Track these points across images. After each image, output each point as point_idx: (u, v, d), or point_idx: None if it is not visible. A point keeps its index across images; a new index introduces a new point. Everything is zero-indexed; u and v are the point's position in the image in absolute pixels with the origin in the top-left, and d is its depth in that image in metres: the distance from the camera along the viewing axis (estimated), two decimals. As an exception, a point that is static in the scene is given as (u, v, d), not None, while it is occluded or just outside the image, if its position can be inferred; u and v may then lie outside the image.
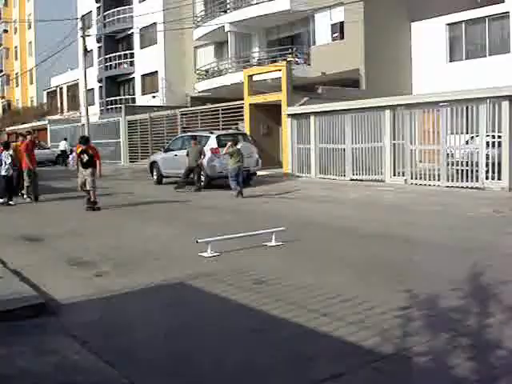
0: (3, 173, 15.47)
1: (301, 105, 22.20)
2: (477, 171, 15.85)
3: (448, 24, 25.68)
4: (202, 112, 28.05)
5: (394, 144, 18.08)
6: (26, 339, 5.04)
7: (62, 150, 37.67)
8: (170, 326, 5.44)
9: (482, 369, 4.28)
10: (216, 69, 34.13)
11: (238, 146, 16.99)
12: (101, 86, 46.41)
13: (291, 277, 6.96)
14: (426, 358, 4.46)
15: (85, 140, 14.33)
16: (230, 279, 6.89)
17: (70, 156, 35.71)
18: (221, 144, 18.22)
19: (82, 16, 39.53)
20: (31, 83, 65.05)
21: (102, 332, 5.33)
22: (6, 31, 69.24)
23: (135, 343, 4.99)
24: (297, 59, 28.27)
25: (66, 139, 38.24)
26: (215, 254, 8.26)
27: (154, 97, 39.94)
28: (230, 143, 16.77)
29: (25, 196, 16.59)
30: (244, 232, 9.28)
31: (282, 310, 5.64)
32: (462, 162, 16.36)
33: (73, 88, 53.76)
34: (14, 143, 18.06)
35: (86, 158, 13.70)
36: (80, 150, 14.01)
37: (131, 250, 9.02)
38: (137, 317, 5.76)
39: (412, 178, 17.49)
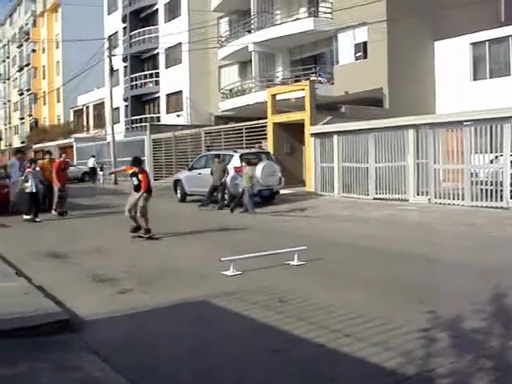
0: (28, 190, 15.75)
1: (324, 124, 22.22)
2: (501, 191, 15.67)
3: (472, 43, 25.59)
4: (225, 131, 28.22)
5: (418, 163, 17.99)
6: (49, 355, 5.10)
7: (90, 167, 38.23)
8: (192, 344, 5.46)
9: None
10: (240, 88, 34.36)
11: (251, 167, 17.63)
12: (126, 105, 46.95)
13: (313, 296, 6.95)
14: (448, 379, 4.43)
15: (137, 162, 12.73)
16: (252, 298, 6.90)
17: (100, 173, 36.28)
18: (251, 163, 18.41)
19: (109, 36, 40.39)
20: (58, 102, 66.08)
21: (125, 349, 5.38)
22: (34, 51, 70.64)
23: (158, 361, 5.02)
24: (320, 78, 28.35)
25: (94, 156, 38.80)
26: (238, 273, 8.28)
27: (178, 115, 40.29)
28: (244, 164, 17.45)
29: (53, 211, 16.94)
30: (266, 251, 9.30)
31: (304, 329, 5.64)
32: (486, 182, 16.19)
33: (99, 107, 54.50)
34: (40, 160, 18.42)
35: (135, 181, 12.37)
36: (132, 172, 12.51)
37: (154, 267, 9.09)
38: (159, 334, 5.79)
39: (436, 198, 17.36)
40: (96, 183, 33.89)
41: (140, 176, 12.32)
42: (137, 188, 12.33)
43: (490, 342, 5.21)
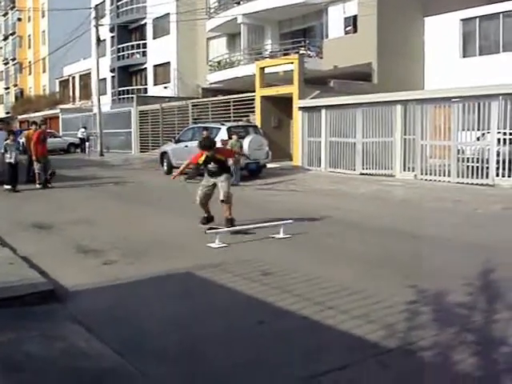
0: (7, 161, 15.71)
1: (312, 98, 22.14)
2: (487, 168, 15.76)
3: (462, 19, 25.49)
4: (213, 103, 28.04)
5: (405, 139, 18.00)
6: (33, 325, 5.09)
7: (80, 138, 37.94)
8: (177, 315, 5.47)
9: (486, 365, 4.29)
10: (228, 60, 34.07)
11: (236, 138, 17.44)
12: (113, 76, 46.46)
13: (298, 269, 6.98)
14: (430, 352, 4.47)
15: (209, 144, 10.18)
16: (238, 270, 6.92)
17: (87, 144, 36.02)
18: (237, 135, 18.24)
19: (96, 5, 39.69)
20: (44, 72, 65.22)
21: (110, 320, 5.37)
22: (19, 19, 69.44)
23: (142, 332, 5.03)
24: (309, 52, 28.17)
25: (85, 127, 38.48)
26: (223, 245, 8.30)
27: (165, 87, 39.94)
28: (232, 140, 17.22)
29: (37, 185, 16.80)
30: (252, 224, 9.32)
31: (288, 301, 5.66)
32: (472, 159, 16.26)
33: (85, 77, 53.88)
34: (26, 131, 18.28)
35: (214, 167, 9.87)
36: (204, 158, 9.97)
37: (140, 239, 9.07)
38: (144, 306, 5.79)
39: (422, 174, 17.42)
40: (85, 154, 33.64)
41: (218, 156, 9.97)
42: (215, 173, 9.88)
43: (473, 316, 5.26)
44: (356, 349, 4.55)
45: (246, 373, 4.23)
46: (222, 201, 9.69)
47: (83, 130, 38.25)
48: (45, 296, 5.77)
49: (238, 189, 16.24)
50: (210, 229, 9.23)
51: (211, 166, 9.89)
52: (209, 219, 9.97)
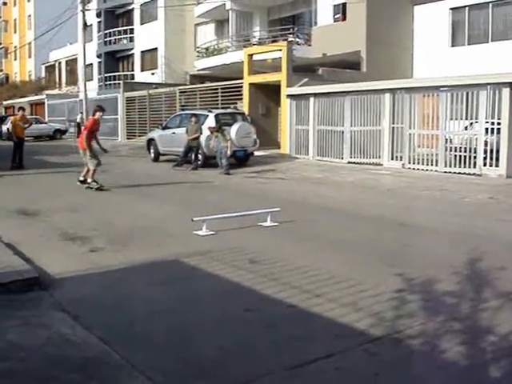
0: None
1: (300, 86, 22.07)
2: (475, 157, 15.82)
3: (451, 8, 25.45)
4: (200, 90, 27.89)
5: (393, 128, 18.01)
6: (17, 313, 5.03)
7: (78, 123, 37.70)
8: (163, 303, 5.43)
9: (473, 353, 4.30)
10: (216, 47, 33.88)
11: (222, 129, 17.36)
12: (100, 62, 46.05)
13: (285, 257, 6.96)
14: (417, 341, 4.47)
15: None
16: (225, 258, 6.89)
17: (71, 130, 35.72)
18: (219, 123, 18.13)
19: (82, -10, 39.19)
20: (29, 57, 64.49)
21: (96, 308, 5.32)
22: (5, 3, 68.67)
23: (129, 319, 4.99)
24: (298, 39, 28.05)
25: (82, 113, 38.20)
26: (210, 233, 8.26)
27: (153, 74, 39.65)
28: (214, 134, 17.24)
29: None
30: (240, 211, 9.29)
31: (275, 289, 5.64)
32: (460, 148, 16.32)
33: (71, 63, 53.36)
34: (12, 117, 18.20)
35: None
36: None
37: (126, 226, 9.02)
38: (130, 293, 5.75)
39: (410, 163, 17.46)
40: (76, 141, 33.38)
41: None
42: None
43: (459, 305, 5.27)
44: (343, 337, 4.54)
45: (233, 361, 4.20)
46: None
47: (81, 114, 37.98)
48: (30, 283, 5.70)
49: (226, 176, 16.22)
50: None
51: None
52: None
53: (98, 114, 13.69)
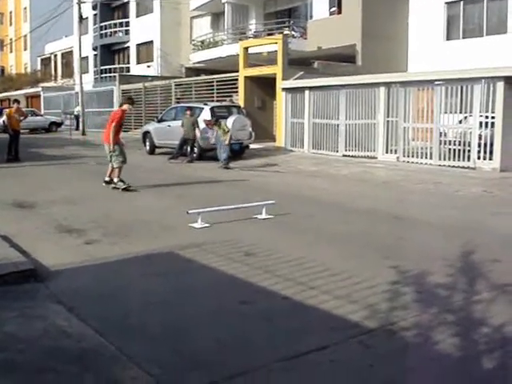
0: None
1: (296, 79, 22.06)
2: (469, 151, 15.87)
3: (446, 2, 25.40)
4: (196, 83, 27.85)
5: (388, 121, 18.04)
6: (13, 304, 5.04)
7: (76, 115, 37.61)
8: (158, 295, 5.45)
9: (466, 345, 4.34)
10: (212, 40, 33.79)
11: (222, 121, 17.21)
12: (95, 54, 45.86)
13: (280, 250, 6.99)
14: (410, 332, 4.51)
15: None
16: (220, 250, 6.92)
17: (67, 122, 35.57)
18: (215, 116, 18.11)
19: (78, -18, 39.00)
20: (25, 49, 64.12)
21: (91, 299, 5.34)
22: (0, -4, 68.19)
23: (124, 311, 5.01)
24: (293, 33, 28.03)
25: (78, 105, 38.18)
26: (205, 226, 8.28)
27: (148, 66, 39.55)
28: (214, 128, 17.08)
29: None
30: (235, 204, 9.31)
31: (270, 282, 5.68)
32: (454, 142, 16.36)
33: (67, 55, 53.11)
34: (7, 109, 18.16)
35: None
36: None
37: (122, 218, 9.03)
38: (126, 285, 5.77)
39: (404, 156, 17.50)
40: (72, 133, 33.22)
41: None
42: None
43: (453, 297, 5.31)
44: (338, 329, 4.57)
45: (228, 352, 4.23)
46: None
47: (78, 107, 37.91)
48: (26, 275, 5.72)
49: (220, 169, 16.23)
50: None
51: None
52: None
53: (126, 106, 12.67)
